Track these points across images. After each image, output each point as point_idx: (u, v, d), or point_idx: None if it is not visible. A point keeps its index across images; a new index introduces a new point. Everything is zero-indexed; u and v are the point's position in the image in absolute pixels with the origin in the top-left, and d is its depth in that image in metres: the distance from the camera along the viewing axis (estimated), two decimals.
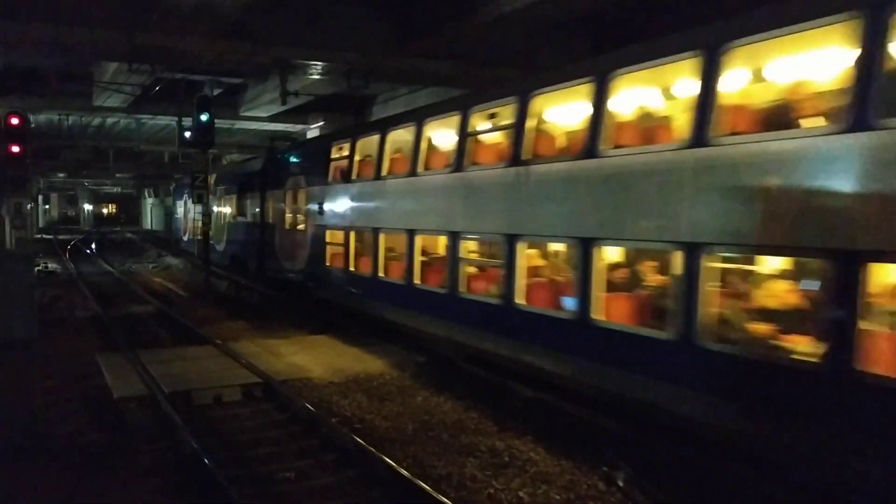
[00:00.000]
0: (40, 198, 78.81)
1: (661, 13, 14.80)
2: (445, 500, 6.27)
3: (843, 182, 5.80)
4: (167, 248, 39.79)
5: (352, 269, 14.51)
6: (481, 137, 11.14)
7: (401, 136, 13.01)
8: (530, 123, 9.55)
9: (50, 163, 48.99)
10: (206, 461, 7.11)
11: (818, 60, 6.95)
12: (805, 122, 6.67)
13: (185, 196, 34.59)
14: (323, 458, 7.67)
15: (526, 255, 9.66)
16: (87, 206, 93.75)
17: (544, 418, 8.87)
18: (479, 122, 11.01)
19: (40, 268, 26.49)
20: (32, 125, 24.74)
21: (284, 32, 17.21)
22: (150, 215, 76.64)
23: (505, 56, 18.22)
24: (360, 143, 14.67)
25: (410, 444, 8.08)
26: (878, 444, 5.43)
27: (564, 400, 9.00)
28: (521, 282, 9.48)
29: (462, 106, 11.23)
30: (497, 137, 10.84)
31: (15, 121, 15.12)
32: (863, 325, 5.67)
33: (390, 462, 7.10)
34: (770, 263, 7.63)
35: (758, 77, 7.63)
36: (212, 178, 23.27)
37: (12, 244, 19.09)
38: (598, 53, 11.09)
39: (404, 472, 6.83)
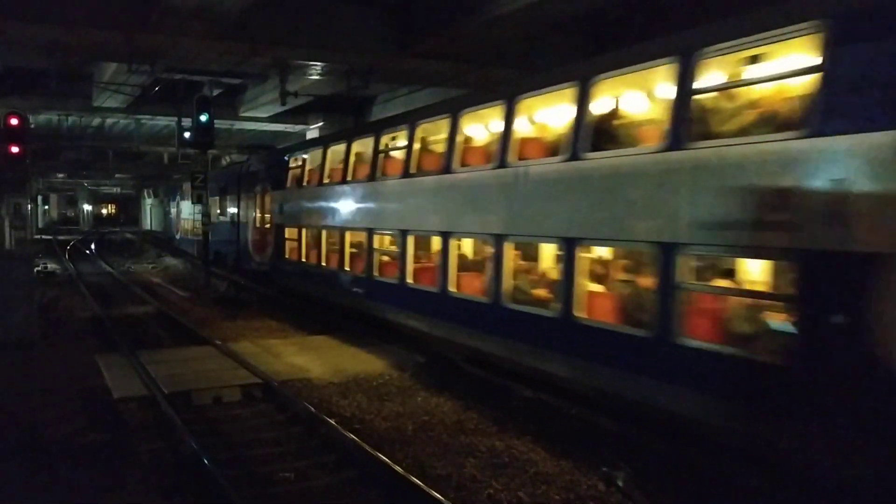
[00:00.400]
0: (39, 198, 78.72)
1: (660, 13, 14.83)
2: (445, 500, 6.26)
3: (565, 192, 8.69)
4: (166, 248, 39.79)
5: (304, 260, 17.23)
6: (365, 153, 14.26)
7: (339, 150, 15.49)
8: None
9: (49, 163, 48.99)
10: (205, 461, 7.11)
11: (646, 96, 8.90)
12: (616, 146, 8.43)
13: (178, 197, 38.98)
14: (322, 459, 7.66)
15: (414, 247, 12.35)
16: (87, 207, 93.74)
17: (544, 418, 8.87)
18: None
19: (40, 268, 26.45)
20: (32, 125, 24.78)
21: (284, 33, 17.22)
22: (150, 216, 76.63)
23: (504, 56, 18.23)
24: (309, 155, 17.42)
25: (410, 445, 8.08)
26: (586, 362, 8.30)
27: (564, 400, 9.01)
28: (410, 266, 12.27)
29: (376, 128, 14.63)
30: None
31: (14, 121, 15.13)
32: (578, 286, 8.37)
33: (390, 462, 7.09)
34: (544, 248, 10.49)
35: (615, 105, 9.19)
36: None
37: (12, 245, 19.11)
38: (597, 54, 11.12)
39: (404, 473, 6.83)
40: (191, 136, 19.90)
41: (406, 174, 12.31)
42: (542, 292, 9.71)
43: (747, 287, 7.46)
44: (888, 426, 5.34)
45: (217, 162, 36.37)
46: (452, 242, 10.97)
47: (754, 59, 7.12)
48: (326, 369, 11.32)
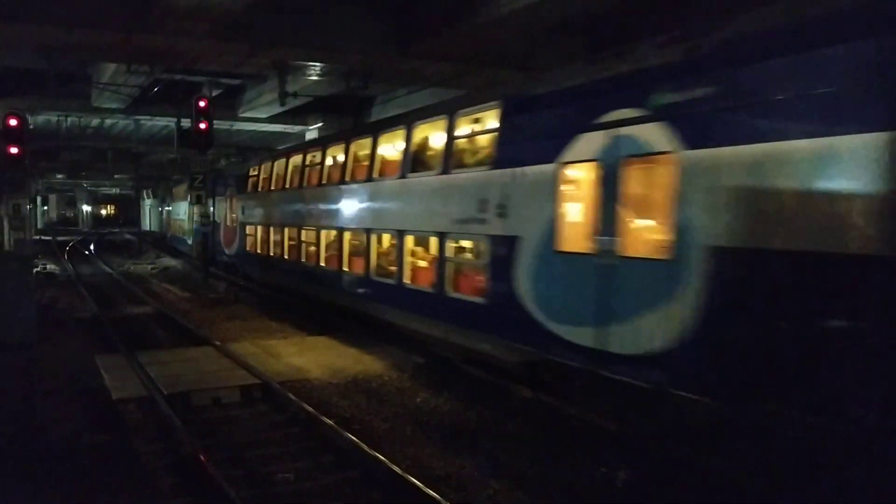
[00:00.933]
0: (39, 199, 78.80)
1: (658, 15, 14.83)
2: (444, 500, 6.27)
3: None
4: (166, 248, 39.76)
5: (259, 252, 21.18)
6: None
7: (280, 163, 19.87)
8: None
9: (48, 164, 49.00)
10: (204, 462, 7.11)
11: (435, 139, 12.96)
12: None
13: (169, 198, 45.51)
14: (322, 460, 7.67)
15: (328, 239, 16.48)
16: (86, 208, 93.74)
17: (543, 419, 8.88)
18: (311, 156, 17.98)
19: (39, 269, 26.46)
20: (31, 126, 24.76)
21: (283, 33, 17.20)
22: (149, 216, 76.61)
23: (503, 57, 18.23)
24: (262, 166, 21.59)
25: (409, 445, 8.09)
26: (409, 313, 12.68)
27: (563, 401, 9.02)
28: (322, 254, 16.76)
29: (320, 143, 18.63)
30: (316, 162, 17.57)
31: (13, 122, 15.11)
32: (406, 262, 12.90)
33: (389, 463, 7.10)
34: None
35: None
36: (184, 187, 32.47)
37: (11, 245, 19.09)
38: (595, 55, 11.17)
39: (403, 473, 6.83)
40: (190, 136, 19.83)
41: (320, 184, 16.81)
42: (391, 269, 13.54)
43: (470, 258, 11.66)
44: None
45: (216, 163, 36.31)
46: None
47: (477, 121, 11.39)
48: (325, 370, 11.32)
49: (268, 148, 34.21)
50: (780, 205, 6.23)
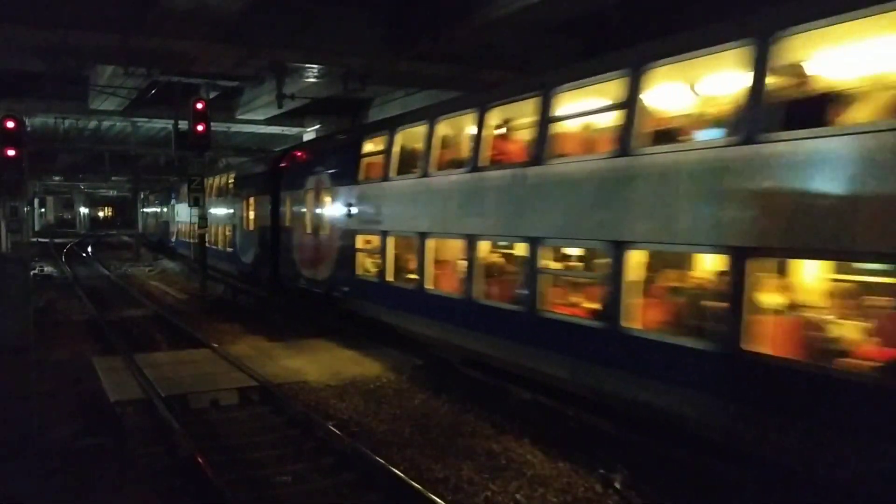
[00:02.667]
0: (36, 201, 78.67)
1: (656, 16, 14.86)
2: (442, 502, 6.27)
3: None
4: (163, 251, 39.73)
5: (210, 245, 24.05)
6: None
7: (223, 179, 25.35)
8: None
9: (46, 166, 48.97)
10: (202, 465, 7.10)
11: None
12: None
13: (154, 200, 49.77)
14: (320, 462, 7.66)
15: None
16: (83, 210, 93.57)
17: (541, 421, 8.88)
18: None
19: (36, 271, 26.40)
20: (28, 128, 24.69)
21: (281, 35, 17.23)
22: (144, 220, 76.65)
23: (500, 59, 18.25)
24: (213, 180, 26.50)
25: (407, 447, 8.08)
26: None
27: (561, 402, 9.01)
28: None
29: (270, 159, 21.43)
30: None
31: (10, 124, 15.06)
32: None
33: (388, 465, 7.09)
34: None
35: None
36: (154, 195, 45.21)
37: (8, 248, 19.05)
38: (592, 56, 11.13)
39: (401, 475, 6.83)
40: (187, 138, 19.80)
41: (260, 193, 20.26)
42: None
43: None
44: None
45: (213, 165, 36.29)
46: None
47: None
48: (323, 372, 11.31)
49: (262, 150, 34.16)
50: None
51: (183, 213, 31.21)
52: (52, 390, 10.18)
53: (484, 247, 10.41)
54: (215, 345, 12.91)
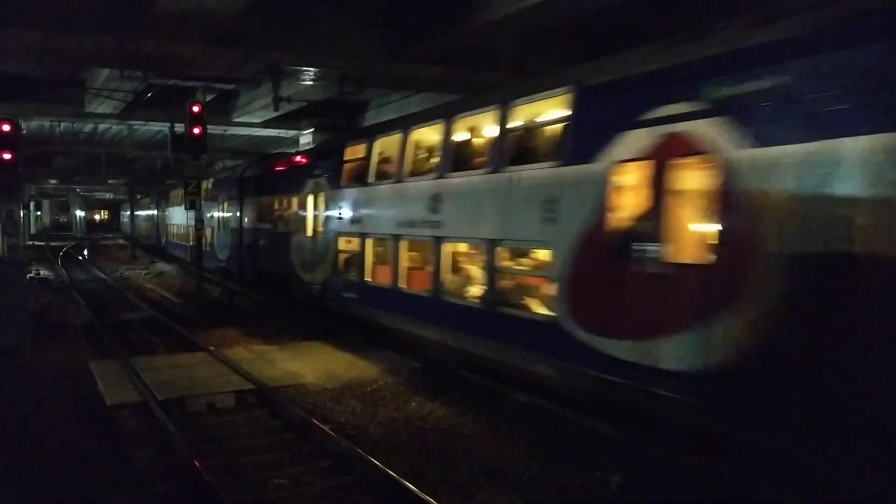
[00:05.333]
0: (32, 204, 78.49)
1: (653, 18, 14.88)
2: None
3: None
4: (160, 254, 39.72)
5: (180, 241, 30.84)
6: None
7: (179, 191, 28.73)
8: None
9: (42, 169, 48.77)
10: (199, 468, 7.09)
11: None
12: None
13: (149, 204, 53.38)
14: (317, 465, 7.66)
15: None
16: (79, 213, 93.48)
17: (538, 423, 8.89)
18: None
19: (32, 275, 26.37)
20: (24, 132, 24.66)
21: (277, 38, 17.21)
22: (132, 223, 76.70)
23: (497, 61, 18.27)
24: (171, 192, 34.47)
25: (404, 450, 8.08)
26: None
27: (558, 404, 9.02)
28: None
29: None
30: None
31: (6, 127, 15.07)
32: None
33: (384, 468, 7.09)
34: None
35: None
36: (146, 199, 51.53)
37: (4, 251, 19.01)
38: (591, 59, 11.17)
39: (398, 478, 6.83)
40: (183, 141, 19.78)
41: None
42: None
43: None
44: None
45: (210, 167, 36.25)
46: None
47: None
48: (320, 375, 11.31)
49: (259, 152, 34.17)
50: None
51: (173, 216, 36.50)
52: (48, 394, 10.18)
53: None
54: (212, 348, 12.89)
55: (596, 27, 16.61)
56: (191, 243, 26.60)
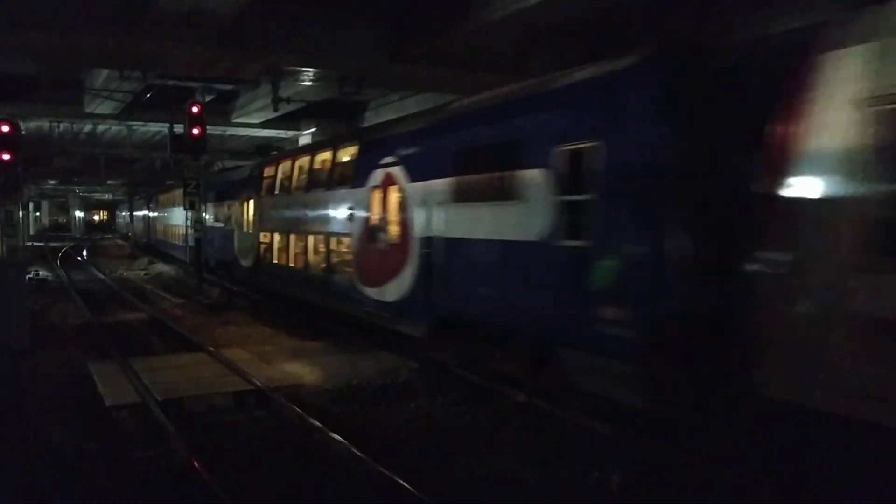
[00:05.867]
0: (31, 205, 78.53)
1: (653, 19, 14.90)
2: None
3: None
4: (158, 254, 39.72)
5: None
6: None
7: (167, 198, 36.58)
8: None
9: (41, 170, 48.83)
10: (199, 469, 7.09)
11: None
12: None
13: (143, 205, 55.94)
14: (316, 466, 7.65)
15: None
16: (79, 214, 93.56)
17: (537, 423, 8.88)
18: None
19: (31, 275, 26.37)
20: (23, 132, 24.68)
21: (276, 39, 17.24)
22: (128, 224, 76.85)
23: (496, 61, 18.28)
24: (161, 197, 40.42)
25: (403, 450, 8.08)
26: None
27: (557, 405, 9.03)
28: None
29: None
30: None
31: (5, 128, 15.11)
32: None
33: (383, 469, 7.09)
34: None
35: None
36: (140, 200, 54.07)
37: (3, 252, 19.03)
38: (589, 59, 11.17)
39: (397, 479, 6.83)
40: (183, 142, 19.81)
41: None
42: None
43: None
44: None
45: (209, 168, 36.28)
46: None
47: None
48: (319, 375, 11.31)
49: (257, 154, 34.21)
50: None
51: (161, 217, 42.07)
52: (48, 395, 10.17)
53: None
54: (211, 348, 12.89)
55: (595, 26, 16.61)
56: (171, 241, 36.19)
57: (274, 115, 26.29)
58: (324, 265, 15.70)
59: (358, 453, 7.55)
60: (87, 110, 27.84)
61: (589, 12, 15.36)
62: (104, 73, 21.86)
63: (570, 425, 8.66)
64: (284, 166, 18.60)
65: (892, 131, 5.42)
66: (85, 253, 45.72)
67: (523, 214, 8.89)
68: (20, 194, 20.35)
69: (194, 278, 22.38)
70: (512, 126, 9.40)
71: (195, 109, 18.32)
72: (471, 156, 10.28)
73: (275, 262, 18.88)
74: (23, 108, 26.53)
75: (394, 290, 12.35)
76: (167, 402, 9.48)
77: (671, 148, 7.19)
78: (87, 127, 33.46)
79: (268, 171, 19.73)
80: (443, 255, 10.87)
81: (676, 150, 7.17)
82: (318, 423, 8.64)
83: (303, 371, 11.60)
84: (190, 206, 20.09)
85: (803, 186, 6.01)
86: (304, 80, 21.26)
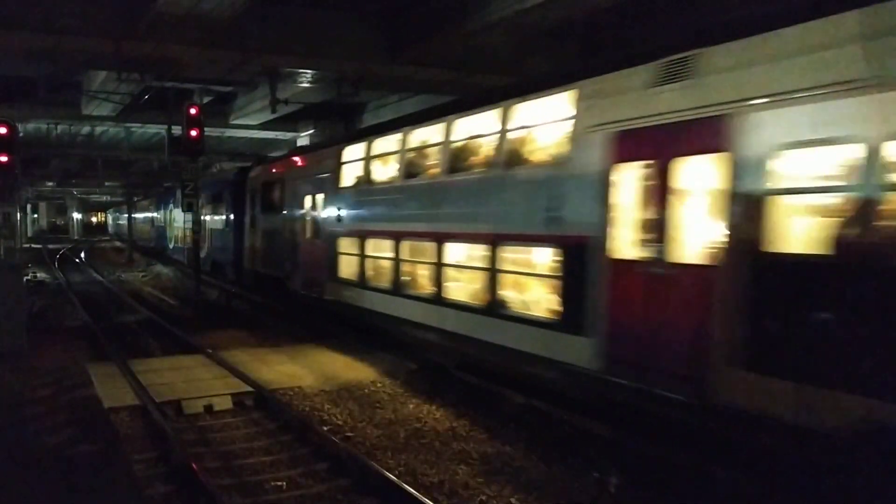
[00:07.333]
0: (29, 207, 78.49)
1: (650, 20, 14.92)
2: None
3: None
4: (157, 256, 39.69)
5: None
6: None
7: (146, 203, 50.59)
8: None
9: (39, 171, 48.76)
10: (196, 470, 7.08)
11: None
12: None
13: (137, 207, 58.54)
14: (314, 467, 7.65)
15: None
16: (76, 215, 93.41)
17: (536, 424, 8.89)
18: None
19: (29, 278, 26.34)
20: (21, 134, 24.64)
21: (275, 41, 17.23)
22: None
23: (495, 62, 18.28)
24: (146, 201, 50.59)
25: (402, 452, 8.08)
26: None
27: (556, 406, 9.03)
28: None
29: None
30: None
31: (3, 130, 15.03)
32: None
33: (382, 470, 7.09)
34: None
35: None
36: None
37: (1, 254, 19.01)
38: (587, 60, 11.19)
39: (396, 480, 6.83)
40: (181, 144, 19.78)
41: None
42: None
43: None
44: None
45: (207, 170, 36.23)
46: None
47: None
48: (318, 377, 11.30)
49: (256, 154, 34.21)
50: None
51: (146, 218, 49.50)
52: (46, 396, 10.15)
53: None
54: (209, 350, 12.87)
55: (593, 27, 16.63)
56: (151, 242, 43.89)
57: (272, 116, 26.28)
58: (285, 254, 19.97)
59: (357, 454, 7.54)
60: (85, 112, 27.80)
61: (587, 13, 15.35)
62: (102, 74, 21.82)
63: (569, 426, 8.68)
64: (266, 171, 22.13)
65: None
66: (83, 255, 45.66)
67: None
68: (18, 196, 20.34)
69: (192, 279, 22.37)
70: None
71: (193, 111, 18.28)
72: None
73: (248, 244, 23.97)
74: (20, 110, 26.45)
75: (324, 273, 16.23)
76: (165, 403, 9.48)
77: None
78: (85, 129, 33.39)
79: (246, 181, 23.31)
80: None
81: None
82: (316, 425, 8.63)
83: (301, 373, 11.59)
84: (188, 208, 20.05)
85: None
86: (302, 82, 21.24)
